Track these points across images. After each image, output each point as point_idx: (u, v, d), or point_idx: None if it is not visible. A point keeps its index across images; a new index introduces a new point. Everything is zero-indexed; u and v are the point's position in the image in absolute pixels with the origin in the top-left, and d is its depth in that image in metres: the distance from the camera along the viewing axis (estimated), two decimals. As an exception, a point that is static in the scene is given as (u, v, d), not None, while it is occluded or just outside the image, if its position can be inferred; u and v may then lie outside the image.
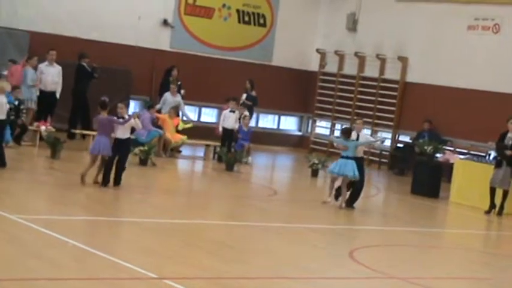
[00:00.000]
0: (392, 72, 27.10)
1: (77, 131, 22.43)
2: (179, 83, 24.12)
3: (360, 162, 17.00)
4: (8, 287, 8.89)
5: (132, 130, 16.68)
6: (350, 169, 16.68)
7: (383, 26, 27.32)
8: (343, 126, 21.20)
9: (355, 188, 17.07)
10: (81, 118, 22.91)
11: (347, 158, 16.80)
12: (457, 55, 25.45)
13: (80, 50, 23.66)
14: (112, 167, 15.78)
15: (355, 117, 17.86)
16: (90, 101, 22.16)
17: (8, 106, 16.98)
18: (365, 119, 27.24)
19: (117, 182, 15.86)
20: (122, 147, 15.91)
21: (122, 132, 15.91)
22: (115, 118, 15.87)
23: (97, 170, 15.82)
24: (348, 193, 17.05)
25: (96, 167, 15.89)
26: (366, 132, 17.38)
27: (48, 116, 21.40)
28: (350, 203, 17.07)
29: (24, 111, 20.67)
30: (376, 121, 27.29)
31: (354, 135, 17.16)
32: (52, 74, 21.79)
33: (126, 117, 15.93)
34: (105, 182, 15.72)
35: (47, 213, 13.31)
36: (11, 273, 9.40)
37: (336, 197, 17.21)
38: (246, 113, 23.80)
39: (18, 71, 21.50)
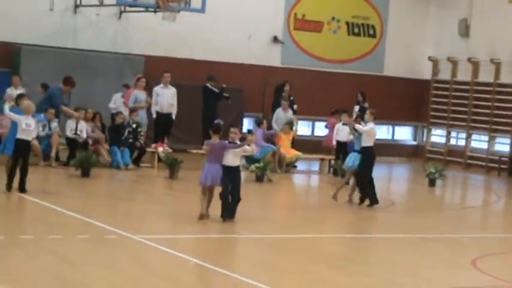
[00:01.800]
0: (508, 76, 26.52)
1: (193, 151, 22.77)
2: (292, 98, 24.21)
3: (363, 152, 16.97)
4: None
5: None
6: (348, 161, 17.29)
7: (496, 29, 26.78)
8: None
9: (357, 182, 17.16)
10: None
11: (354, 151, 17.31)
12: None
13: (193, 71, 24.11)
14: (229, 198, 14.19)
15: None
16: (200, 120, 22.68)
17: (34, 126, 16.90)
18: (482, 125, 26.95)
19: (232, 214, 14.28)
20: (233, 176, 14.22)
21: (234, 159, 14.21)
22: (227, 143, 14.19)
23: (206, 203, 14.33)
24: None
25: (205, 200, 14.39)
26: (370, 125, 16.95)
27: (165, 138, 21.78)
28: (360, 199, 17.16)
29: (141, 133, 21.15)
30: (494, 127, 26.75)
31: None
32: (167, 96, 22.12)
33: (237, 142, 14.23)
34: (224, 217, 14.17)
35: (168, 232, 13.57)
36: (136, 292, 9.64)
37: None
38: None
39: (130, 95, 21.96)
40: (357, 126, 16.94)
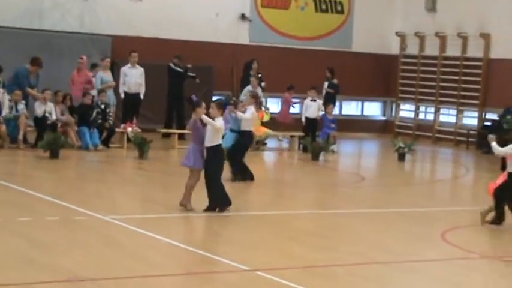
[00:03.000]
0: (475, 50, 26.65)
1: (163, 130, 22.79)
2: (260, 75, 24.21)
3: (242, 135, 16.55)
4: (104, 285, 9.11)
5: None
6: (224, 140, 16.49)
7: (463, 3, 26.85)
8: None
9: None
10: (176, 118, 23.20)
11: (230, 130, 16.70)
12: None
13: (161, 50, 24.04)
14: (213, 184, 13.19)
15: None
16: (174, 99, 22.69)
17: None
18: (450, 99, 27.11)
19: (209, 204, 13.20)
20: (210, 158, 13.05)
21: (209, 139, 13.02)
22: (197, 120, 13.06)
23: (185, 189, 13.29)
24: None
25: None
26: (250, 111, 16.38)
27: (133, 118, 21.71)
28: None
29: (110, 114, 21.05)
30: (462, 101, 26.91)
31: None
32: (135, 76, 22.03)
33: (219, 119, 13.01)
34: (209, 207, 13.20)
35: (139, 212, 13.55)
36: (107, 272, 9.62)
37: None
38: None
39: (74, 76, 21.69)
40: (239, 114, 16.31)
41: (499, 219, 13.53)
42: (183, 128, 22.41)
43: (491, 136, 14.07)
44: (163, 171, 16.99)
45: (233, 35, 26.51)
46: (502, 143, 13.91)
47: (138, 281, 9.42)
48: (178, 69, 23.07)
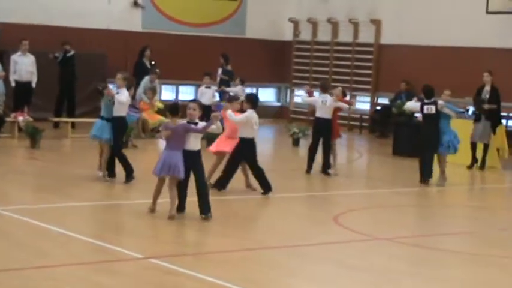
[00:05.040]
0: (366, 36, 27.13)
1: (55, 119, 22.46)
2: (153, 62, 24.08)
3: (117, 122, 15.07)
4: (-6, 278, 8.95)
5: None
6: (95, 129, 15.07)
7: (353, -11, 27.29)
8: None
9: None
10: (67, 107, 22.95)
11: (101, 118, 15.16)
12: (429, 13, 25.46)
13: (52, 37, 23.61)
14: (185, 189, 12.56)
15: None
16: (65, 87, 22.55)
17: None
18: (343, 85, 27.43)
19: (204, 210, 12.28)
20: (194, 162, 12.32)
21: (194, 142, 12.41)
22: (192, 125, 12.36)
23: (157, 197, 12.62)
24: None
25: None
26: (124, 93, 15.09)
27: (24, 106, 21.32)
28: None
29: (0, 103, 20.60)
30: (354, 85, 27.36)
31: None
32: (26, 64, 21.73)
33: (198, 121, 12.43)
34: (179, 209, 12.42)
35: (30, 203, 13.30)
36: (-3, 264, 9.45)
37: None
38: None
39: None
40: (116, 97, 14.99)
41: (223, 186, 14.42)
42: (74, 116, 22.35)
43: (227, 105, 14.62)
44: (55, 160, 16.73)
45: (126, 22, 26.26)
46: None
47: (31, 272, 9.28)
48: (56, 54, 22.79)
